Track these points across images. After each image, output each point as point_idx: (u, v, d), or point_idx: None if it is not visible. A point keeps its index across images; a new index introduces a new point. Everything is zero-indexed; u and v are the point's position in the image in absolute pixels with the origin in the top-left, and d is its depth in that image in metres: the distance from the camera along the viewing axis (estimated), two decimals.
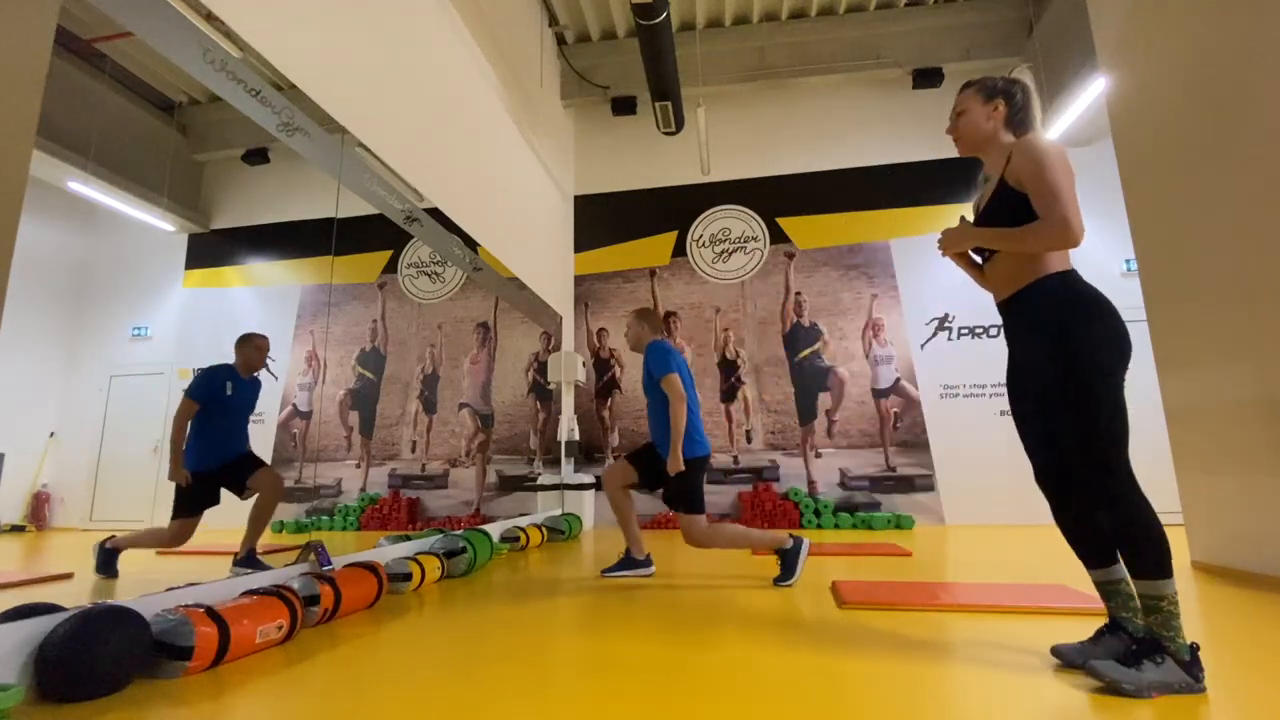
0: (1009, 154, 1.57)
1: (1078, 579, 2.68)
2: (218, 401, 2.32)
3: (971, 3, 6.08)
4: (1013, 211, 1.52)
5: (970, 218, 1.73)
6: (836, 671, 1.54)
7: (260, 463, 2.51)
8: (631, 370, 6.29)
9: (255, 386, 2.51)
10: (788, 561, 2.77)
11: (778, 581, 2.74)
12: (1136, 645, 1.39)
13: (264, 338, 2.49)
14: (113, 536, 2.10)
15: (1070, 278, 1.50)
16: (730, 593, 2.59)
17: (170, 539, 2.18)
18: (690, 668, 1.58)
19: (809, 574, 2.93)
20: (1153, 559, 1.37)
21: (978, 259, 1.72)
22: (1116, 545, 1.45)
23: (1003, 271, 1.59)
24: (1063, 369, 1.44)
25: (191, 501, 2.24)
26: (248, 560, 2.38)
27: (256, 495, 2.45)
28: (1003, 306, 1.62)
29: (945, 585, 2.63)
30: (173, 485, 2.23)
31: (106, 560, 2.08)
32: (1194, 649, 1.35)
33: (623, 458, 3.10)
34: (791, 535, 2.84)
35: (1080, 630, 1.78)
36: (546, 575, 3.13)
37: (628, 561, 3.05)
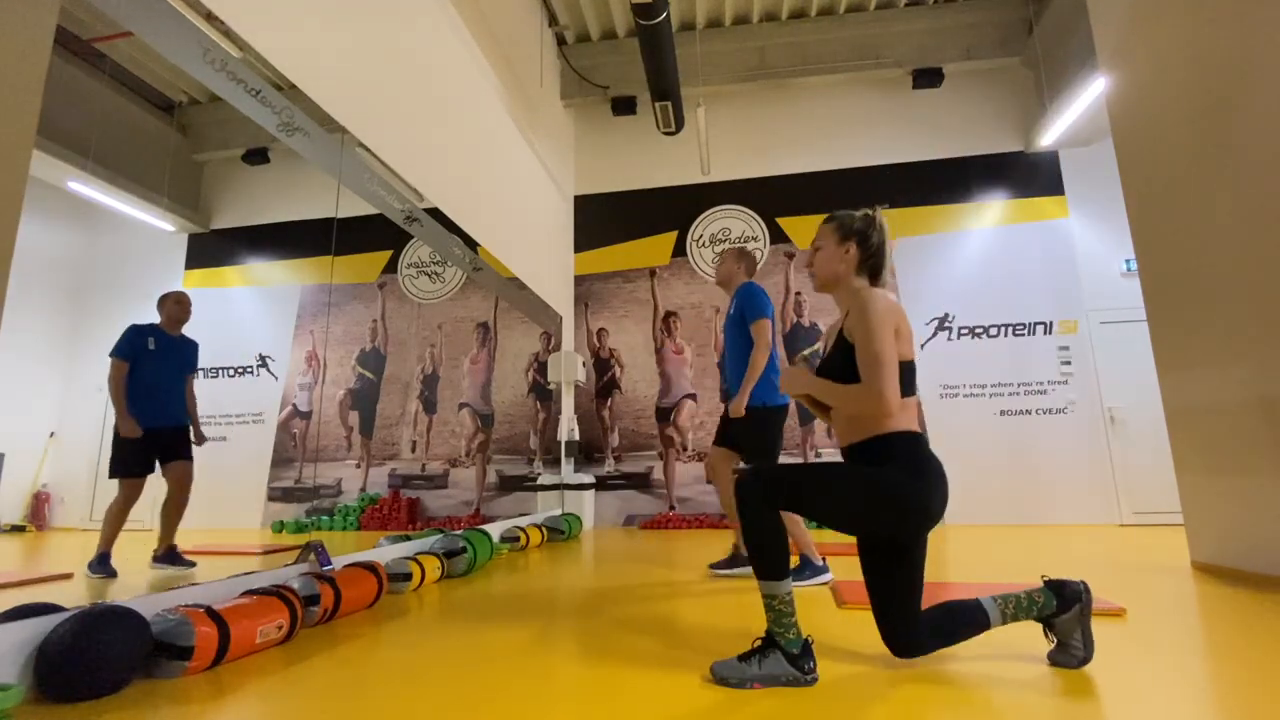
0: (849, 304, 1.59)
1: (1079, 580, 2.68)
2: (142, 358, 2.27)
3: (971, 3, 6.08)
4: (848, 363, 1.54)
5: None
6: (836, 672, 1.54)
7: (184, 452, 2.42)
8: (631, 370, 6.29)
9: (186, 344, 2.44)
10: (805, 569, 2.74)
11: (715, 569, 2.94)
12: (761, 642, 1.49)
13: (183, 293, 2.43)
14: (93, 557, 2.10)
15: (906, 441, 1.50)
16: (730, 592, 2.58)
17: (121, 505, 2.14)
18: (690, 667, 1.58)
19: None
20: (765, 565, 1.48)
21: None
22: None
23: (846, 420, 1.60)
24: (897, 528, 1.50)
25: (130, 461, 2.20)
26: (167, 557, 2.31)
27: (167, 491, 2.38)
28: (845, 452, 1.62)
29: (945, 585, 2.63)
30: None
31: (100, 564, 2.08)
32: (807, 643, 1.46)
33: (715, 445, 2.97)
34: (824, 559, 2.81)
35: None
36: (546, 575, 3.13)
37: (736, 558, 2.92)
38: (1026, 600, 1.52)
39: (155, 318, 2.33)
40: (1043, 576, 1.59)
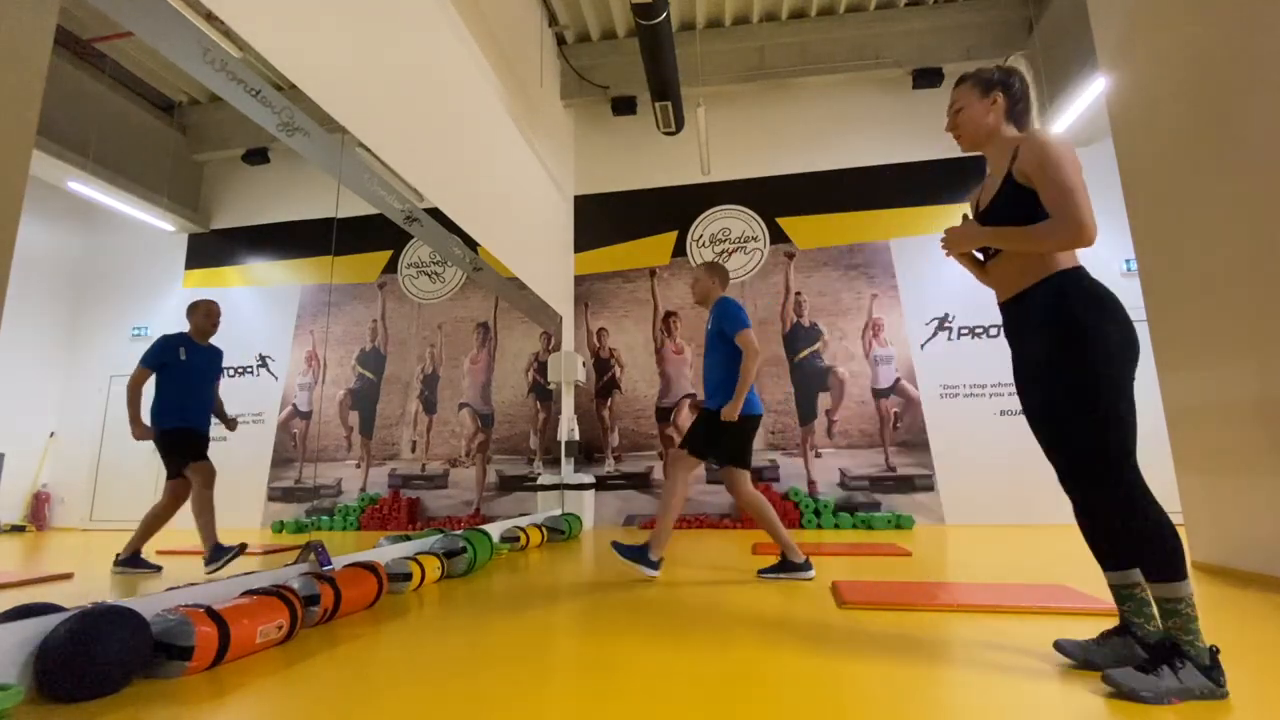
0: (1014, 149, 1.52)
1: (1079, 579, 2.68)
2: (171, 367, 2.32)
3: (971, 3, 6.08)
4: (1021, 208, 1.48)
5: (970, 214, 1.72)
6: (836, 672, 1.54)
7: (203, 454, 2.45)
8: (631, 370, 6.29)
9: (213, 354, 2.49)
10: (786, 566, 2.89)
11: (763, 571, 2.93)
12: (1153, 651, 1.36)
13: (213, 303, 2.49)
14: (120, 553, 2.11)
15: (1079, 275, 1.46)
16: (730, 592, 2.59)
17: (166, 506, 2.20)
18: (690, 667, 1.58)
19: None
20: (1165, 561, 1.34)
21: (980, 256, 1.69)
22: (1129, 547, 1.43)
23: (1008, 269, 1.55)
24: (1072, 369, 1.41)
25: (175, 459, 2.27)
26: (216, 554, 2.33)
27: (193, 490, 2.40)
28: (1008, 304, 1.58)
29: (945, 585, 2.63)
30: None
31: (132, 564, 2.10)
32: (1214, 652, 1.31)
33: (682, 450, 3.00)
34: (808, 558, 2.92)
35: (1082, 630, 1.78)
36: (546, 575, 3.13)
37: (640, 555, 2.95)
38: (1196, 625, 1.33)
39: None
40: (1213, 647, 1.34)
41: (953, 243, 1.63)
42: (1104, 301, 1.43)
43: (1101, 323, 1.40)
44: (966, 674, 1.51)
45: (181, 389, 2.35)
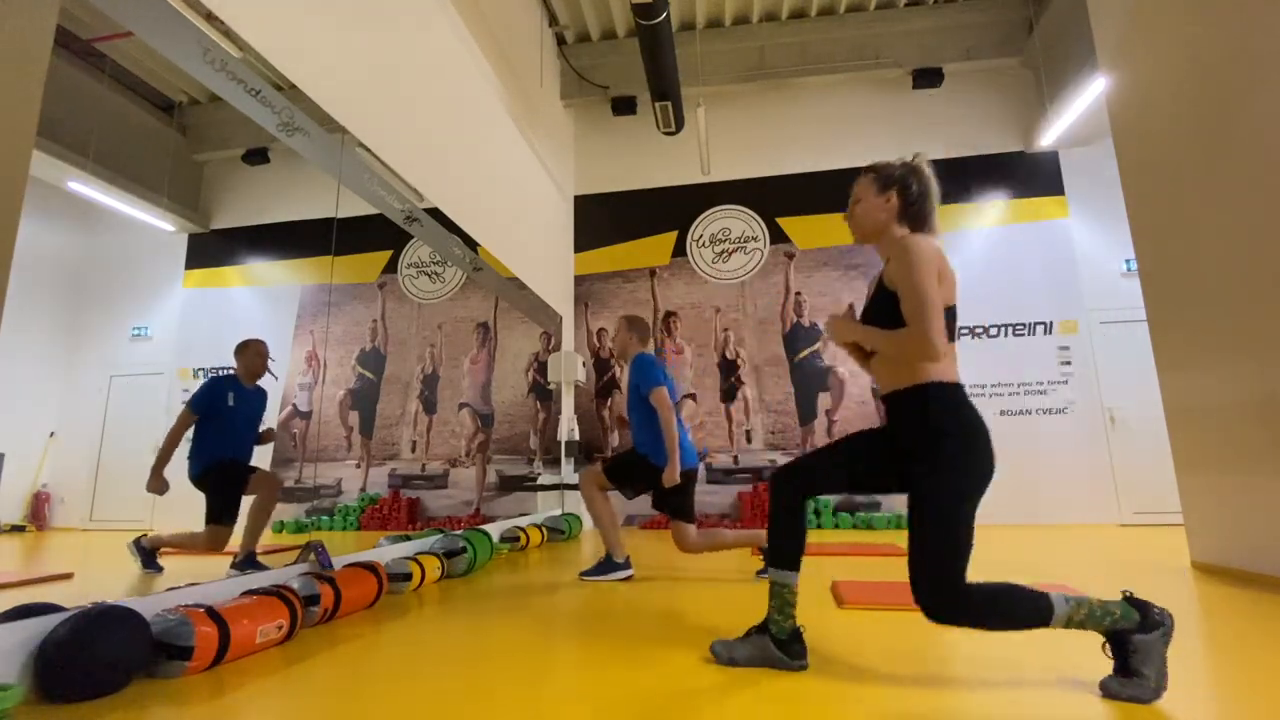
0: (891, 254, 1.56)
1: (1079, 579, 2.68)
2: (220, 413, 2.32)
3: (971, 3, 6.08)
4: (892, 310, 1.50)
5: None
6: (836, 672, 1.54)
7: (254, 469, 2.50)
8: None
9: (259, 397, 2.48)
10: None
11: (761, 574, 2.88)
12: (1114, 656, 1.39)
13: (263, 343, 2.47)
14: (145, 535, 2.12)
15: (946, 390, 1.47)
16: (729, 592, 2.59)
17: (207, 547, 2.21)
18: (689, 667, 1.58)
19: (809, 574, 2.92)
20: (1021, 622, 1.38)
21: (865, 348, 1.69)
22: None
23: (887, 367, 1.57)
24: (925, 478, 1.44)
25: (220, 507, 2.26)
26: (246, 562, 2.38)
27: (256, 497, 2.45)
28: (886, 399, 1.59)
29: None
30: (172, 486, 2.23)
31: (147, 557, 2.11)
32: (797, 632, 1.55)
33: (597, 466, 3.08)
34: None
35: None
36: (546, 575, 3.13)
37: (607, 564, 3.02)
38: (1100, 609, 1.37)
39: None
40: (1124, 591, 1.43)
41: (833, 333, 1.66)
42: (965, 422, 1.44)
43: (967, 446, 1.43)
44: (967, 674, 1.50)
45: (226, 435, 2.34)
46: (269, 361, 2.47)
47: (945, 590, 1.39)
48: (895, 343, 1.47)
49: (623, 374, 6.29)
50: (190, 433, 2.26)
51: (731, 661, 1.58)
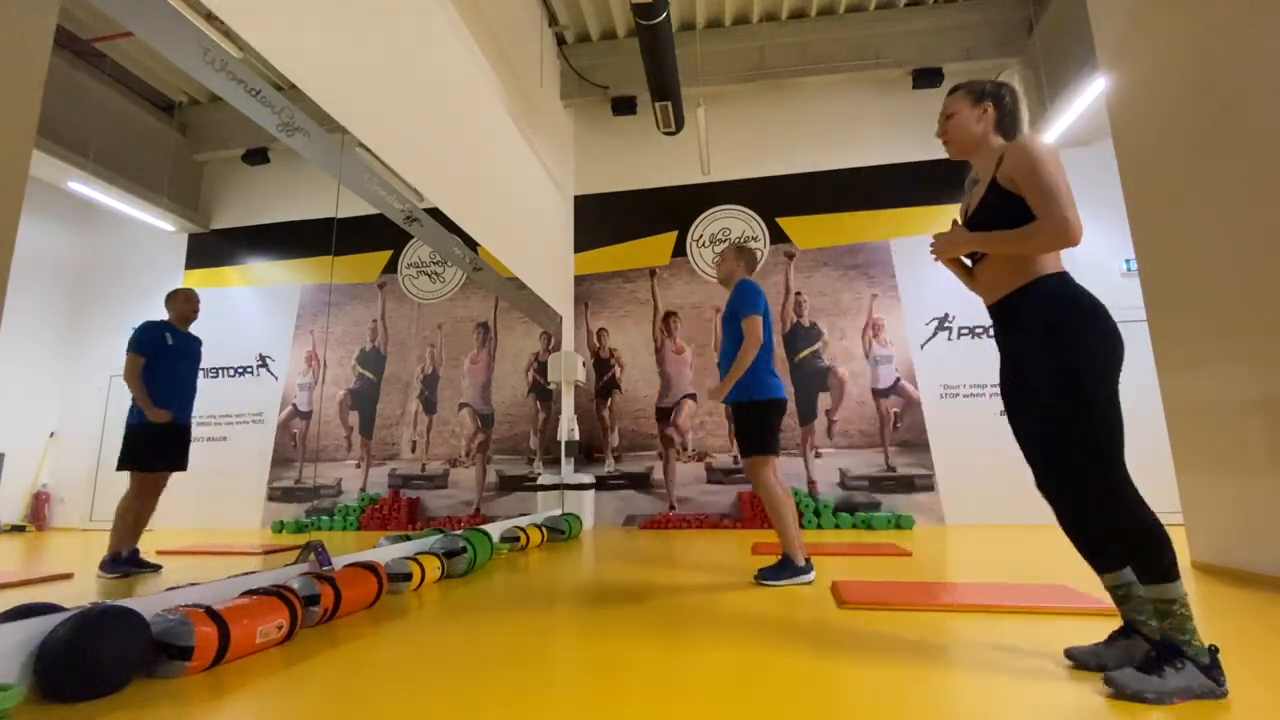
0: (1000, 156, 1.56)
1: (1079, 579, 2.68)
2: (161, 353, 2.30)
3: (971, 3, 6.08)
4: (1006, 213, 1.51)
5: (959, 220, 1.72)
6: (836, 672, 1.54)
7: (181, 458, 2.38)
8: (631, 370, 6.29)
9: (195, 341, 2.46)
10: (785, 569, 2.76)
11: (761, 576, 2.77)
12: (1155, 651, 1.36)
13: (191, 290, 2.46)
14: (106, 556, 2.09)
15: (1064, 280, 1.50)
16: (729, 593, 2.58)
17: (134, 500, 2.13)
18: (690, 668, 1.58)
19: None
20: (1156, 562, 1.35)
21: (968, 262, 1.72)
22: (1121, 549, 1.43)
23: (994, 274, 1.58)
24: (1058, 372, 1.43)
25: (145, 452, 2.19)
26: (112, 563, 2.20)
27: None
28: (994, 309, 1.61)
29: (945, 585, 2.63)
30: (172, 486, 2.24)
31: (128, 563, 2.09)
32: (1213, 652, 1.32)
33: (760, 454, 2.88)
34: (809, 560, 2.81)
35: (1083, 630, 1.78)
36: (546, 575, 3.13)
37: (787, 565, 2.78)
38: (1191, 626, 1.33)
39: (156, 318, 2.33)
40: (1213, 646, 1.34)
41: (942, 248, 1.66)
42: (1090, 306, 1.46)
43: (1085, 324, 1.43)
44: (967, 674, 1.50)
45: (169, 377, 2.31)
46: (198, 305, 2.44)
47: (1113, 477, 1.39)
48: (1028, 235, 1.45)
49: (623, 374, 6.29)
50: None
51: (1163, 699, 1.27)
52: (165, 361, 2.31)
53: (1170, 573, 1.34)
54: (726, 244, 3.25)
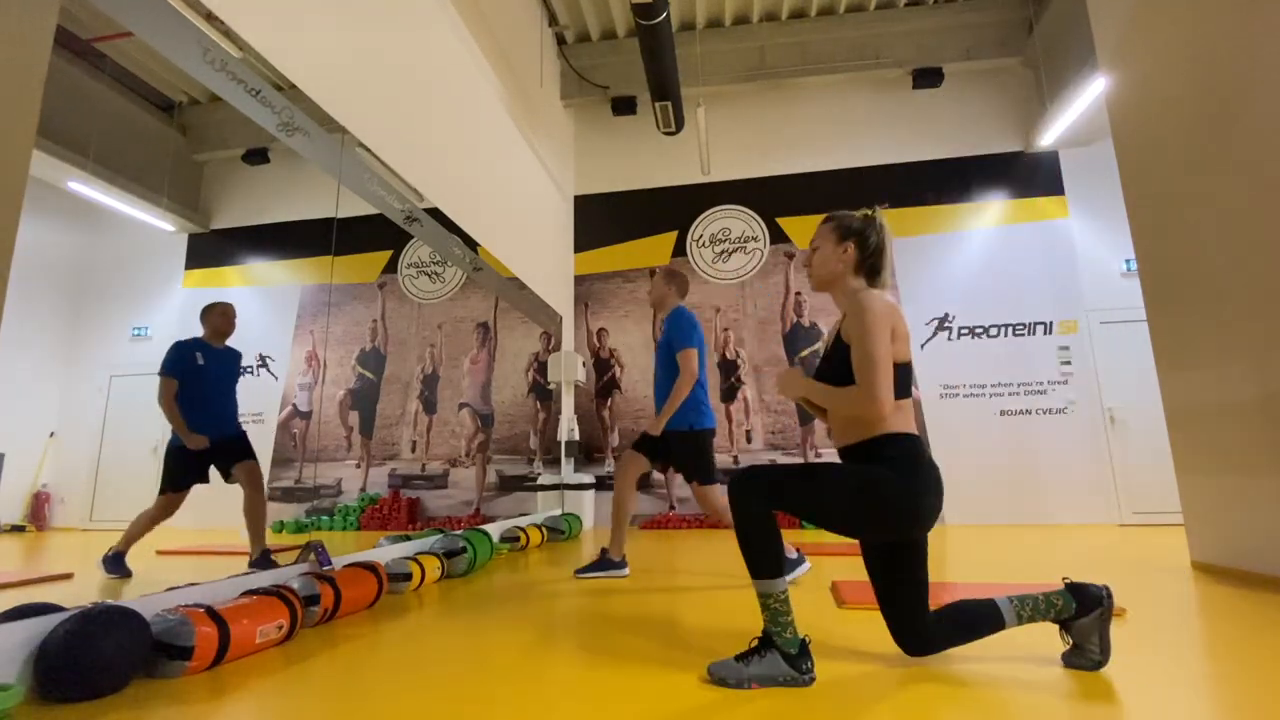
0: (846, 306, 1.60)
1: (1079, 579, 2.68)
2: (191, 373, 2.31)
3: (971, 3, 6.08)
4: (845, 365, 1.53)
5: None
6: (836, 672, 1.54)
7: (248, 451, 2.49)
8: (631, 370, 6.29)
9: (231, 356, 2.47)
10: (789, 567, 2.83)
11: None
12: (757, 643, 1.48)
13: (228, 304, 2.47)
14: (109, 550, 2.10)
15: (900, 444, 1.49)
16: (729, 592, 2.59)
17: (157, 513, 2.16)
18: (688, 668, 1.58)
19: (809, 574, 2.93)
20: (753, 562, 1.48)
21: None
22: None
23: (839, 423, 1.60)
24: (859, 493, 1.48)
25: (180, 475, 2.22)
26: (261, 561, 2.39)
27: (244, 494, 2.44)
28: (842, 452, 1.62)
29: (945, 585, 2.63)
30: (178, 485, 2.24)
31: (114, 564, 2.08)
32: (804, 643, 1.46)
33: (630, 449, 3.06)
34: (798, 550, 2.89)
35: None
36: (546, 575, 3.13)
37: (604, 562, 3.02)
38: (1044, 602, 1.51)
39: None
40: (1064, 579, 1.57)
41: (782, 388, 1.68)
42: (913, 467, 1.47)
43: (900, 479, 1.45)
44: (967, 674, 1.50)
45: (205, 396, 2.34)
46: (234, 319, 2.46)
47: (920, 628, 1.53)
48: (844, 400, 1.51)
49: (623, 374, 6.29)
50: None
51: (741, 684, 1.41)
52: (200, 381, 2.33)
53: (769, 571, 1.46)
54: (658, 269, 3.27)
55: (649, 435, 3.01)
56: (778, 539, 1.48)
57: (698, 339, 3.00)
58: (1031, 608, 1.51)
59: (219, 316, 2.44)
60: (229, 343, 2.46)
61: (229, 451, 2.43)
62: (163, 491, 2.20)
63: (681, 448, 2.96)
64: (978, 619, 1.53)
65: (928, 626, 1.53)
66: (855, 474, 1.48)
